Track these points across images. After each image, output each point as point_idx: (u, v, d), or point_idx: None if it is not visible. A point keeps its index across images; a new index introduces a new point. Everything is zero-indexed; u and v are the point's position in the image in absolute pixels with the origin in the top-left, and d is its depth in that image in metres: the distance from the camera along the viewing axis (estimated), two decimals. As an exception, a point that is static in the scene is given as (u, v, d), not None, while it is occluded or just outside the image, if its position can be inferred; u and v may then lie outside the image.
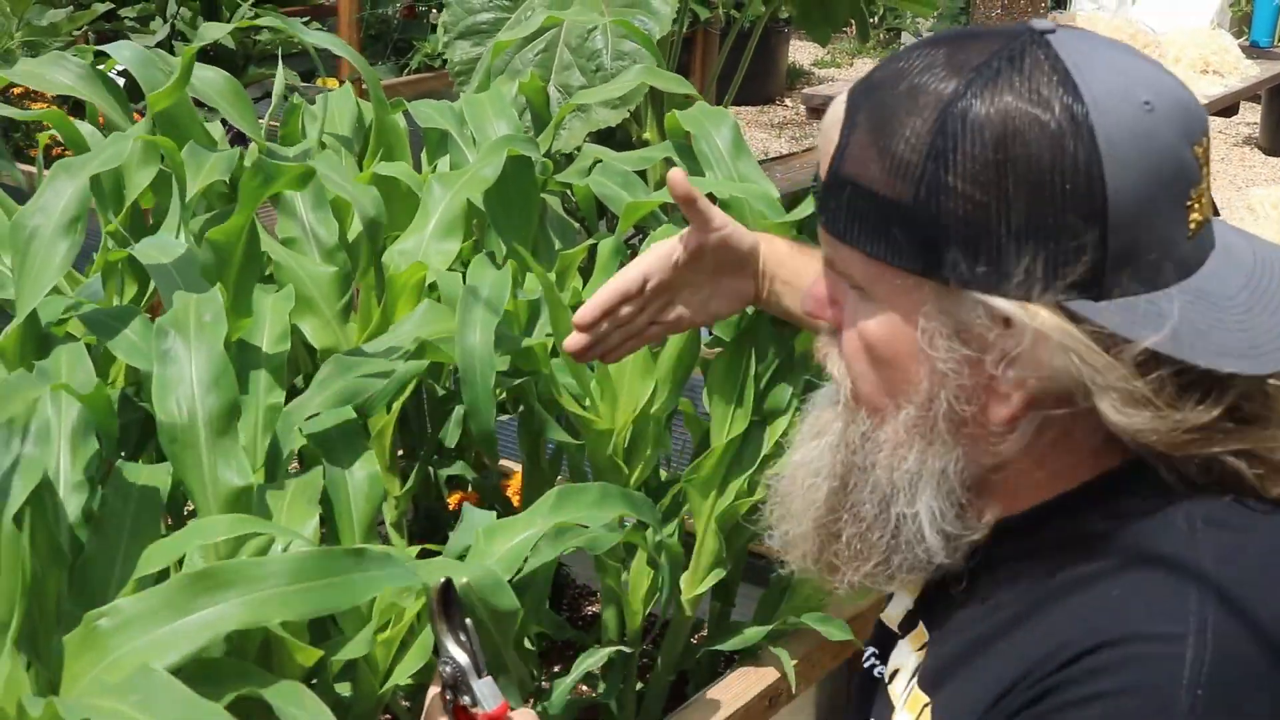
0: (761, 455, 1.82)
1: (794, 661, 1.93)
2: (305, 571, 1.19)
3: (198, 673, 1.16)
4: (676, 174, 1.44)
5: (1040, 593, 0.99)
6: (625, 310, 1.50)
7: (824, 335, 1.08)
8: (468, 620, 1.18)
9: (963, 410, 0.97)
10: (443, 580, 1.18)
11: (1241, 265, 0.95)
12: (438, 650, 1.19)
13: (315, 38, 2.26)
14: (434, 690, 1.23)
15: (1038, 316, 0.91)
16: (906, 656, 1.12)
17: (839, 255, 1.00)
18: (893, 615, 1.18)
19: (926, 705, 1.05)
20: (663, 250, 1.50)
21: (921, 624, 1.12)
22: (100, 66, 2.17)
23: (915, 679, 1.09)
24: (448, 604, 1.18)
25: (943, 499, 1.00)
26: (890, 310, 0.98)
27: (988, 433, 0.99)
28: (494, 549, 1.56)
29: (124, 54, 2.07)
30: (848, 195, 0.96)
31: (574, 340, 1.53)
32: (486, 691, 1.15)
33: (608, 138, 3.26)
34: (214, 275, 1.69)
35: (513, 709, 1.17)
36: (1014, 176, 0.90)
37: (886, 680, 1.14)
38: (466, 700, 1.15)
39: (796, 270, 1.48)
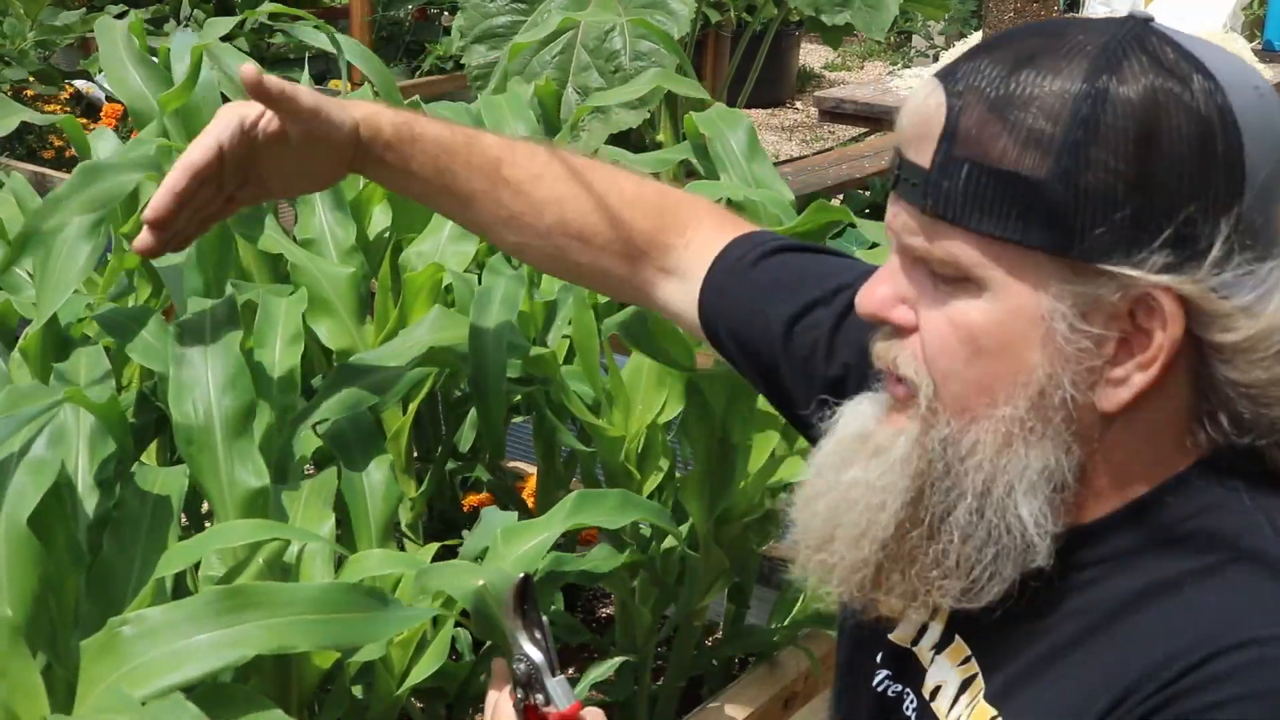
0: (751, 468, 1.81)
1: (806, 666, 1.93)
2: (329, 603, 1.21)
3: (205, 695, 1.18)
4: (247, 69, 1.26)
5: (1119, 599, 0.97)
6: (202, 193, 1.31)
7: (881, 340, 1.03)
8: (544, 618, 1.16)
9: (1077, 397, 0.94)
10: (520, 577, 1.16)
11: None
12: (510, 647, 1.17)
13: (331, 43, 2.27)
14: (496, 693, 1.21)
15: (1179, 289, 0.91)
16: (947, 673, 1.08)
17: (942, 241, 0.95)
18: (903, 636, 1.13)
19: (995, 718, 1.01)
20: (237, 119, 1.31)
21: (959, 639, 1.08)
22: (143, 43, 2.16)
23: (975, 693, 1.04)
24: (524, 600, 1.16)
25: (1044, 499, 0.97)
26: (1005, 295, 0.94)
27: (1092, 425, 0.96)
28: (511, 551, 1.56)
29: (180, 42, 2.07)
30: (965, 175, 0.93)
31: (144, 240, 1.31)
32: (560, 691, 1.13)
33: (621, 138, 3.26)
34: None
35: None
36: (1159, 150, 0.89)
37: (927, 698, 1.10)
38: (539, 699, 1.13)
39: (403, 156, 1.36)
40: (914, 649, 1.13)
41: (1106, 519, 0.99)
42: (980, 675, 1.05)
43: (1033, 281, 0.93)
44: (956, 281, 0.96)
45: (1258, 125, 0.91)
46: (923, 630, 1.13)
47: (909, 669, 1.13)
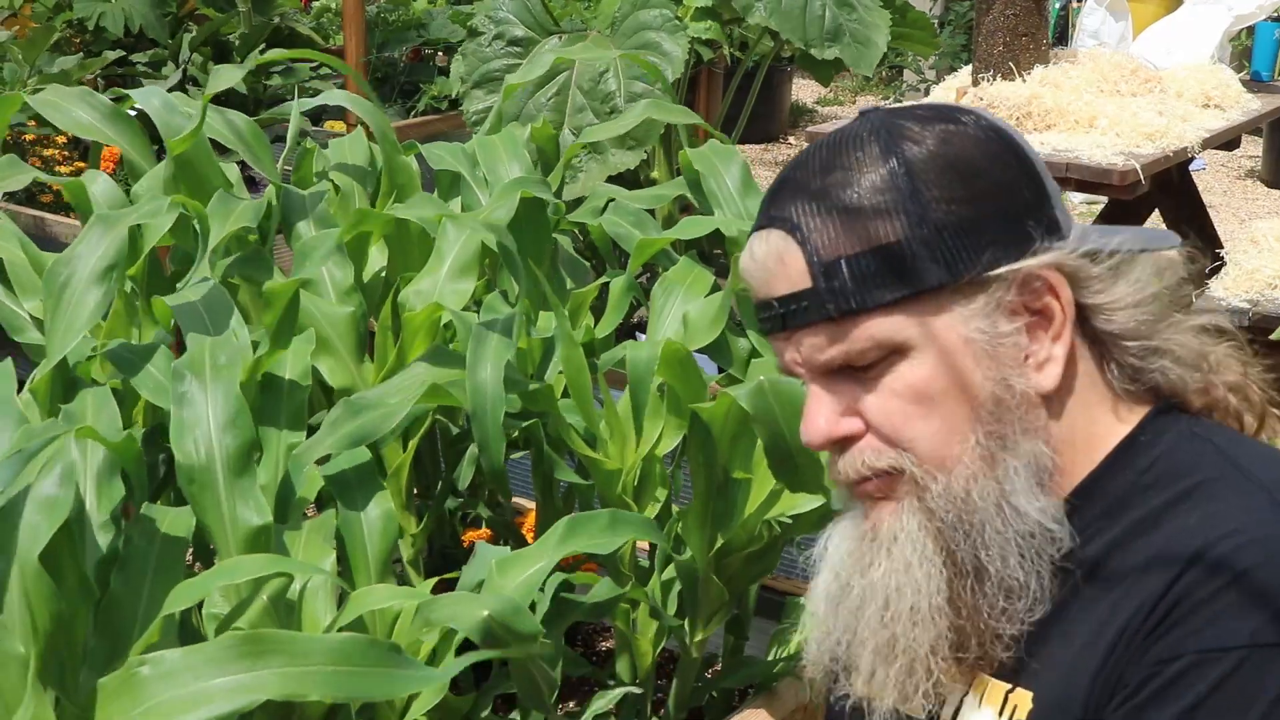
0: (751, 502, 1.83)
1: (805, 696, 1.94)
2: (347, 655, 1.23)
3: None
4: None
5: (1105, 547, 1.06)
6: None
7: (839, 457, 1.09)
8: None
9: (1024, 390, 1.06)
10: None
11: None
12: None
13: (330, 96, 2.31)
14: None
15: (1060, 262, 1.06)
16: (954, 696, 1.13)
17: (855, 333, 1.05)
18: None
19: (1010, 690, 1.08)
20: None
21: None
22: (126, 106, 2.20)
23: (981, 688, 1.10)
24: None
25: (1038, 490, 1.06)
26: (928, 342, 1.05)
27: (1039, 409, 1.07)
28: (507, 581, 1.58)
29: (152, 102, 2.11)
30: (846, 269, 1.04)
31: None
32: None
33: (617, 176, 3.29)
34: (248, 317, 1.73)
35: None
36: (975, 169, 1.06)
37: None
38: None
39: None
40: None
41: (1078, 489, 1.09)
42: (980, 674, 1.11)
43: (943, 318, 1.05)
44: (879, 361, 1.06)
45: (1012, 131, 1.10)
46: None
47: None
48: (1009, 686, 1.09)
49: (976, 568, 1.06)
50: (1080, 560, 1.07)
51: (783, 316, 1.07)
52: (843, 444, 1.09)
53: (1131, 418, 1.11)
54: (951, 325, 1.04)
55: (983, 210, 1.05)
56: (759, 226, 1.09)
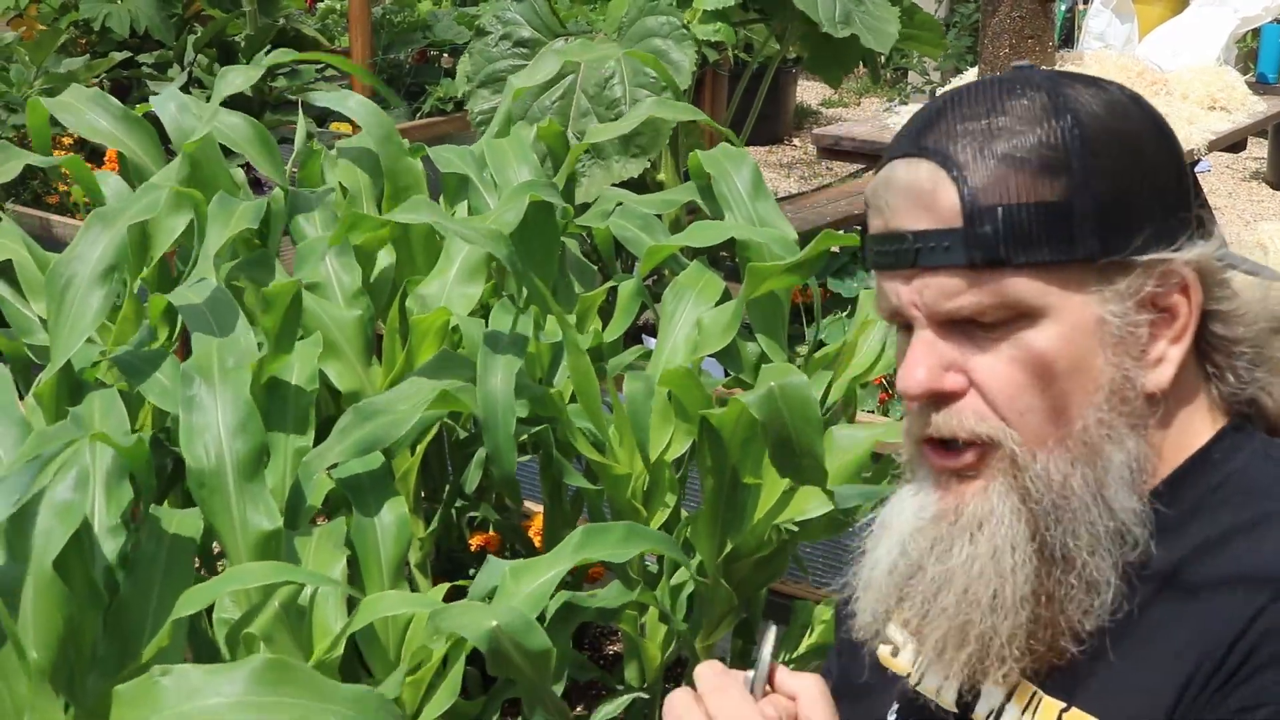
0: (761, 506, 1.82)
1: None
2: (362, 707, 1.22)
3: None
4: None
5: (1172, 565, 1.02)
6: None
7: (934, 413, 1.03)
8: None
9: (1143, 383, 1.02)
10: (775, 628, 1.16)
11: None
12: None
13: (334, 99, 2.32)
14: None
15: (1199, 262, 1.02)
16: (994, 696, 1.09)
17: (993, 287, 1.00)
18: (935, 688, 1.15)
19: (1065, 709, 1.04)
20: None
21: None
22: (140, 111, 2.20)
23: (1026, 696, 1.06)
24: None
25: (1131, 490, 1.03)
26: (1064, 313, 1.00)
27: (1145, 409, 1.03)
28: (520, 588, 1.58)
29: (169, 108, 2.11)
30: (1002, 218, 0.99)
31: None
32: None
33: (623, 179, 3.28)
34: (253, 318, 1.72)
35: None
36: (1141, 147, 1.01)
37: None
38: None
39: None
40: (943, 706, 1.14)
41: (1151, 496, 1.04)
42: (1024, 681, 1.07)
43: (1084, 292, 1.00)
44: (1008, 322, 1.00)
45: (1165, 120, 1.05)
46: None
47: (922, 713, 1.15)
48: (1063, 705, 1.04)
49: (1065, 557, 1.02)
50: (1146, 572, 1.03)
51: (916, 252, 1.01)
52: (937, 400, 1.03)
53: (1213, 429, 1.08)
54: (1088, 303, 1.00)
55: (1143, 190, 1.00)
56: (904, 153, 1.03)
